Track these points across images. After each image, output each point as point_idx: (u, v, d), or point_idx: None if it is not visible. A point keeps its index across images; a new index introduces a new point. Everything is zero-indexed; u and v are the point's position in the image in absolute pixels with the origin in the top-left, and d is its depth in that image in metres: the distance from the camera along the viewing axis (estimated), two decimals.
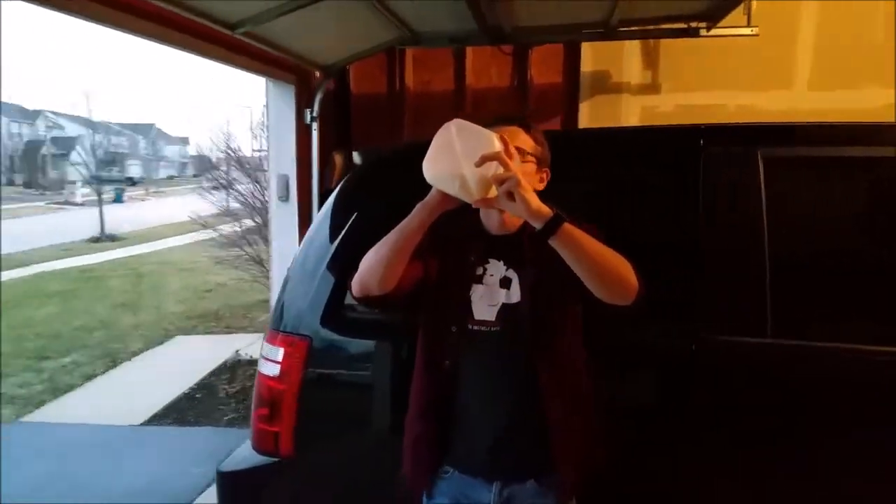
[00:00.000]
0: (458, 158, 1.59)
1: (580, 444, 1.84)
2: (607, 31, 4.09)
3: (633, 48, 4.67)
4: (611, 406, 1.98)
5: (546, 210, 1.58)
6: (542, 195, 1.83)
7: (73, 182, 35.19)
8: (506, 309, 1.81)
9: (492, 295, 1.82)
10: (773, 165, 2.12)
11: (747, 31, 3.91)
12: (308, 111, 4.38)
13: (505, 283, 1.82)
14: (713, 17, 3.82)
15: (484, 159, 1.56)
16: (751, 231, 2.09)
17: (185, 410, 5.66)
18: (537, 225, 1.58)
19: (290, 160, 4.46)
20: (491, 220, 1.88)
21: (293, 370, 2.31)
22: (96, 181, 23.18)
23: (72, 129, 31.90)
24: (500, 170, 1.57)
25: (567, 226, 1.58)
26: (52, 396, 6.17)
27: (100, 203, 21.47)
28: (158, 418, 5.49)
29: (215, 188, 9.46)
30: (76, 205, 34.15)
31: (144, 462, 4.59)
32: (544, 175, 1.86)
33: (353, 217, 2.41)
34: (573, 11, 3.86)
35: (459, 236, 1.90)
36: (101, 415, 5.60)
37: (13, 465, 4.49)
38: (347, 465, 2.33)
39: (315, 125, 4.40)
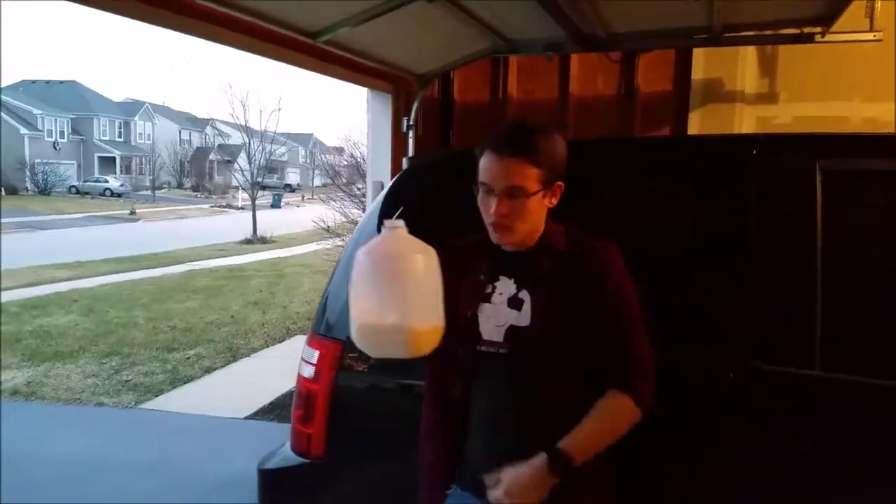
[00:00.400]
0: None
1: (584, 479, 1.70)
2: (711, 37, 3.85)
3: (748, 55, 4.38)
4: (635, 436, 1.83)
5: (547, 485, 1.60)
6: (558, 207, 1.74)
7: (236, 187, 37.80)
8: (514, 331, 1.71)
9: (499, 315, 1.73)
10: (834, 179, 1.89)
11: (869, 35, 3.53)
12: (405, 119, 4.43)
13: (515, 303, 1.72)
14: (826, 20, 3.50)
15: None
16: (803, 251, 1.87)
17: (287, 407, 5.84)
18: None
19: (386, 167, 4.53)
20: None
21: (325, 373, 2.33)
22: (257, 187, 24.79)
23: (237, 138, 34.34)
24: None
25: (574, 463, 1.60)
26: (171, 386, 6.62)
27: (253, 208, 23.01)
28: (262, 413, 5.74)
29: (339, 195, 9.82)
30: (237, 208, 36.69)
31: (240, 454, 4.78)
32: (557, 190, 1.71)
33: (399, 212, 2.40)
34: (671, 17, 3.67)
35: (469, 251, 1.81)
36: (211, 406, 5.93)
37: (123, 448, 4.86)
38: (376, 471, 2.31)
39: (411, 133, 4.44)
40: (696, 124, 4.50)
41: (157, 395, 6.34)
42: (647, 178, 2.10)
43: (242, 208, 34.17)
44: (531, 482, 1.59)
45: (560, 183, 1.70)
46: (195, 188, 52.74)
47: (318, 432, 2.33)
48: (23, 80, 53.05)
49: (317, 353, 2.36)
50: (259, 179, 25.93)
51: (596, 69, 4.66)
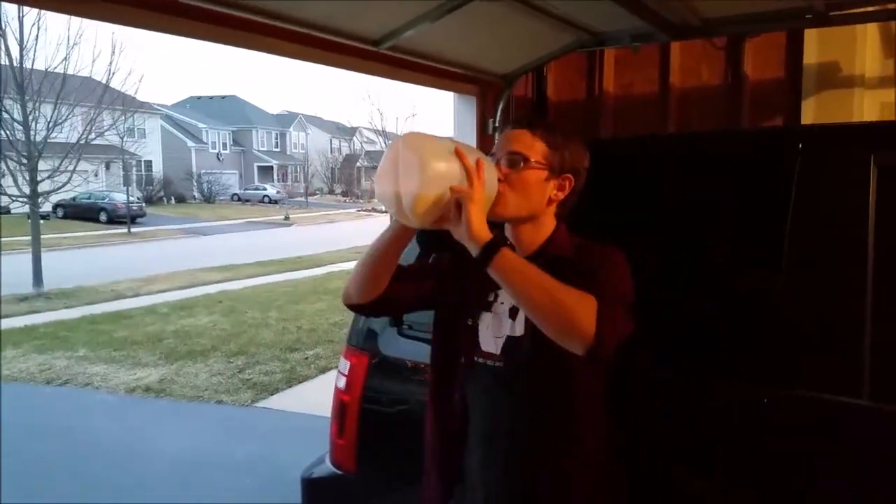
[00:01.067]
0: (397, 178, 1.44)
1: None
2: (816, 17, 3.48)
3: (869, 34, 3.93)
4: (657, 460, 1.66)
5: (484, 235, 1.42)
6: (577, 205, 1.66)
7: None
8: (510, 342, 1.61)
9: (499, 325, 1.64)
10: (892, 175, 1.61)
11: None
12: (490, 121, 4.35)
13: (513, 312, 1.62)
14: None
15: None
16: (851, 260, 1.61)
17: None
18: (473, 251, 1.44)
19: None
20: (511, 238, 1.68)
21: (356, 384, 2.31)
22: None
23: (381, 145, 35.77)
24: (448, 192, 1.43)
25: (504, 255, 1.42)
26: (286, 385, 6.91)
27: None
28: None
29: None
30: (381, 212, 38.01)
31: None
32: (565, 182, 1.62)
33: None
34: None
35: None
36: (318, 406, 6.10)
37: (229, 446, 5.10)
38: (404, 489, 2.24)
39: (497, 135, 4.36)
40: (811, 113, 4.09)
41: (272, 394, 6.63)
42: (672, 179, 1.90)
43: (385, 211, 35.30)
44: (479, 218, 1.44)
45: (569, 176, 1.62)
46: (345, 194, 55.07)
47: (349, 445, 2.31)
48: (189, 97, 57.69)
49: (349, 364, 2.35)
50: None
51: (699, 57, 4.35)
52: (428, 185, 1.40)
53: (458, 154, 1.45)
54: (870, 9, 3.46)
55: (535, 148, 1.59)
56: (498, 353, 1.62)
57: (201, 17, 2.69)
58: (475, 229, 1.41)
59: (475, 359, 1.65)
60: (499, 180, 1.56)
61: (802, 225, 1.69)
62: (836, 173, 1.68)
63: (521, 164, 1.57)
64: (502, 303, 1.64)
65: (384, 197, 1.49)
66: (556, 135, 1.62)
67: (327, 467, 2.43)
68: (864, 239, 1.60)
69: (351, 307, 1.75)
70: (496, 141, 4.21)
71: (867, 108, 3.98)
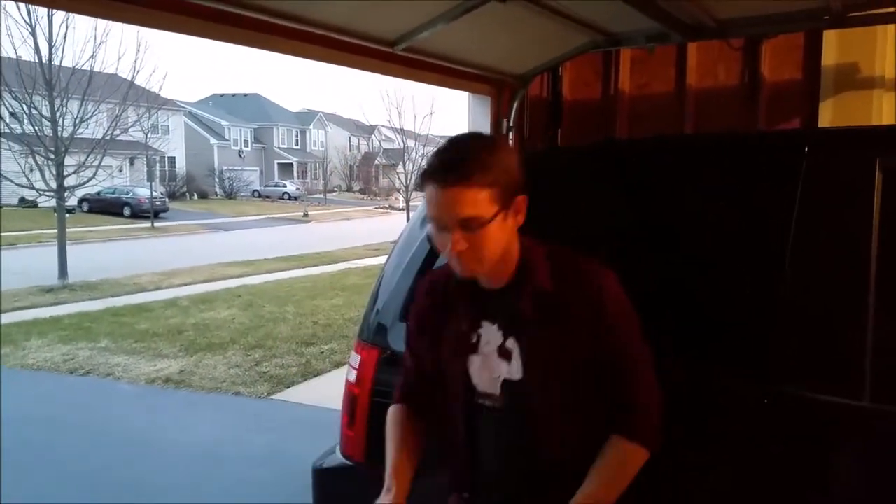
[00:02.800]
0: None
1: None
2: (833, 18, 3.47)
3: (889, 35, 3.90)
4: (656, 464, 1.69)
5: None
6: (529, 219, 1.52)
7: (399, 189, 39.33)
8: (509, 385, 1.56)
9: (491, 366, 1.58)
10: None
11: None
12: (505, 121, 4.38)
13: (504, 353, 1.56)
14: None
15: None
16: (855, 261, 1.63)
17: None
18: None
19: None
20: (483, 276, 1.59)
21: (365, 378, 2.36)
22: (416, 188, 25.93)
23: (399, 143, 36.00)
24: None
25: None
26: (302, 378, 7.00)
27: (407, 208, 24.01)
28: None
29: None
30: (398, 210, 38.15)
31: None
32: (519, 205, 1.47)
33: None
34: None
35: (450, 290, 1.63)
36: (333, 399, 6.18)
37: (239, 435, 5.20)
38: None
39: (511, 135, 4.39)
40: (828, 115, 4.07)
41: (288, 387, 6.74)
42: (680, 180, 1.92)
43: (403, 209, 35.49)
44: None
45: (522, 196, 1.47)
46: (363, 191, 55.30)
47: (359, 436, 2.36)
48: (212, 94, 58.19)
49: (359, 357, 2.40)
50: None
51: (716, 58, 4.35)
52: None
53: None
54: (889, 10, 3.46)
55: (480, 201, 1.40)
56: (497, 393, 1.58)
57: (222, 20, 2.75)
58: None
59: (476, 400, 1.61)
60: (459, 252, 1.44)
61: (807, 226, 1.71)
62: (842, 176, 1.71)
63: (478, 227, 1.41)
64: (487, 342, 1.58)
65: None
66: (487, 169, 1.41)
67: (337, 458, 2.49)
68: (867, 241, 1.62)
69: None
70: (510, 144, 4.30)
71: (886, 110, 3.96)
